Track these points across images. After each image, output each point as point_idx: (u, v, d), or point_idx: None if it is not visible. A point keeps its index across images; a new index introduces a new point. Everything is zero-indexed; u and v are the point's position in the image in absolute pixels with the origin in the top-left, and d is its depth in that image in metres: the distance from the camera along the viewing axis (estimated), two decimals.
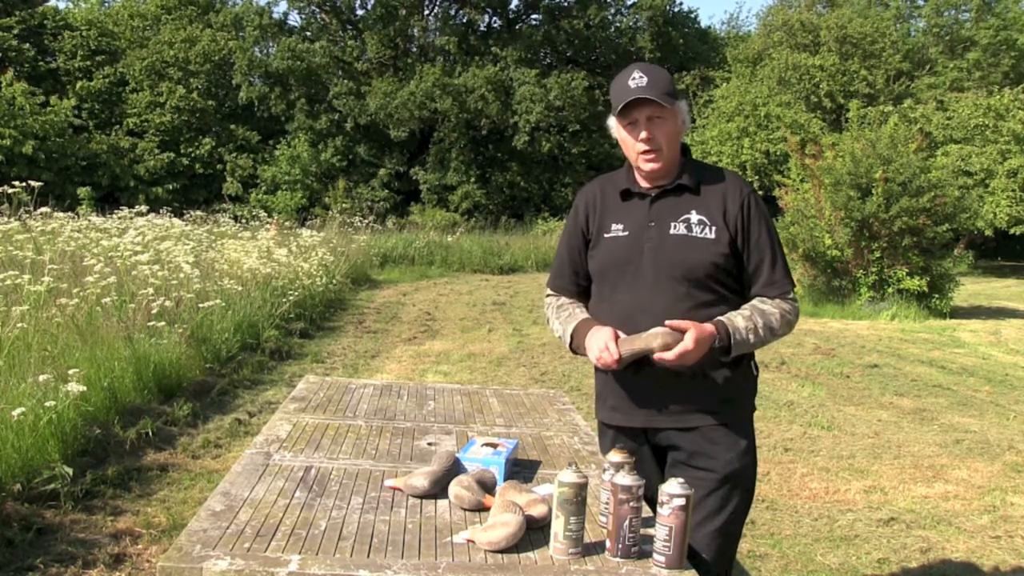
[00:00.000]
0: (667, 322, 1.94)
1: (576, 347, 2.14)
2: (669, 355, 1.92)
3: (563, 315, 2.23)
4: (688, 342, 1.92)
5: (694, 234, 2.05)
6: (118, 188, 25.03)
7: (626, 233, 2.10)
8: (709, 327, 1.97)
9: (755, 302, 2.07)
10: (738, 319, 2.02)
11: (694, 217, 2.06)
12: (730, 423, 2.08)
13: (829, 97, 26.80)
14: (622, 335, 2.02)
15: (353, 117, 27.63)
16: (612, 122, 2.12)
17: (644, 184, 2.13)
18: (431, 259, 18.35)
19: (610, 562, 1.68)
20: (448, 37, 29.31)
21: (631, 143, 2.06)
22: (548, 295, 2.35)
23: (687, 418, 2.07)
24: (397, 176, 28.57)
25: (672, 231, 2.06)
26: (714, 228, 2.05)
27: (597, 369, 2.21)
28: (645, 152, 2.04)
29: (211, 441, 4.93)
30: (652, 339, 1.95)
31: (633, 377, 2.08)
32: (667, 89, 2.02)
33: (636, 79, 2.01)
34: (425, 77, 27.30)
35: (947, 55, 30.07)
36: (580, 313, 2.19)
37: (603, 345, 2.00)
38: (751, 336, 2.00)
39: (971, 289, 17.06)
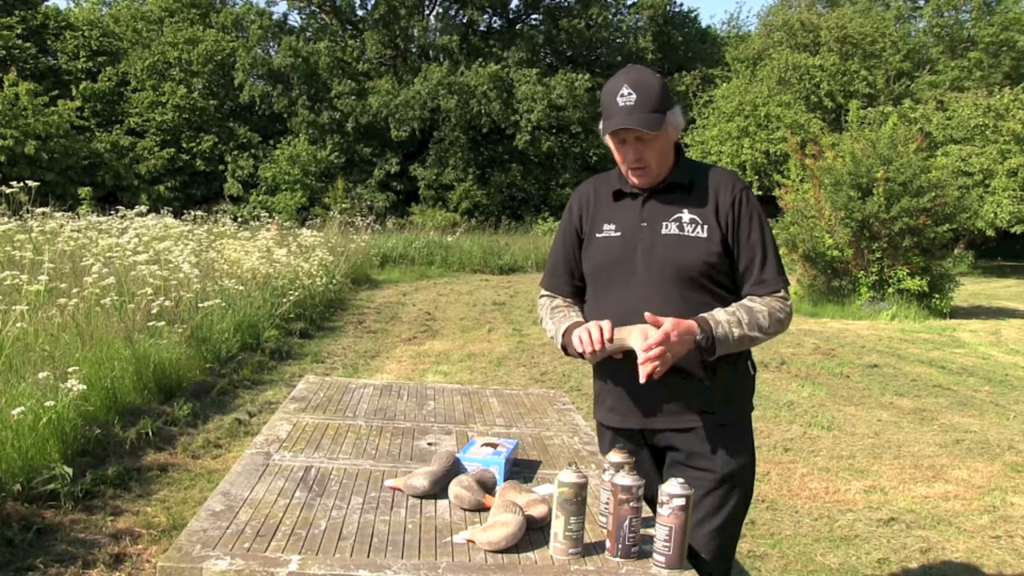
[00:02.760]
0: (646, 314, 1.91)
1: (566, 344, 2.12)
2: (653, 339, 1.87)
3: (557, 316, 2.21)
4: (668, 325, 1.87)
5: (686, 233, 2.03)
6: (119, 187, 25.04)
7: (618, 233, 2.08)
8: (690, 321, 1.93)
9: (744, 300, 2.05)
10: (719, 313, 1.99)
11: (686, 216, 2.04)
12: (728, 423, 2.07)
13: (829, 97, 26.82)
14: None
15: (355, 116, 27.64)
16: (603, 127, 2.07)
17: (636, 182, 2.12)
18: (431, 259, 18.35)
19: (610, 562, 1.68)
20: (449, 37, 29.32)
21: (619, 159, 2.07)
22: (543, 295, 2.32)
23: (684, 419, 2.06)
24: (397, 176, 28.58)
25: (664, 231, 2.04)
26: (706, 227, 2.03)
27: (596, 371, 2.21)
28: (633, 168, 2.04)
29: (211, 441, 4.93)
30: (637, 333, 1.94)
31: (630, 378, 2.07)
32: (655, 105, 1.97)
33: (624, 96, 1.96)
34: (429, 76, 27.30)
35: (947, 55, 30.09)
36: (574, 315, 2.18)
37: (596, 326, 1.96)
38: (735, 330, 1.96)
39: (971, 289, 17.07)
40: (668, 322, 1.89)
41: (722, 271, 2.04)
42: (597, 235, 2.13)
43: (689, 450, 2.06)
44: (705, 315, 1.98)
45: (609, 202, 2.14)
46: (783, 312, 2.04)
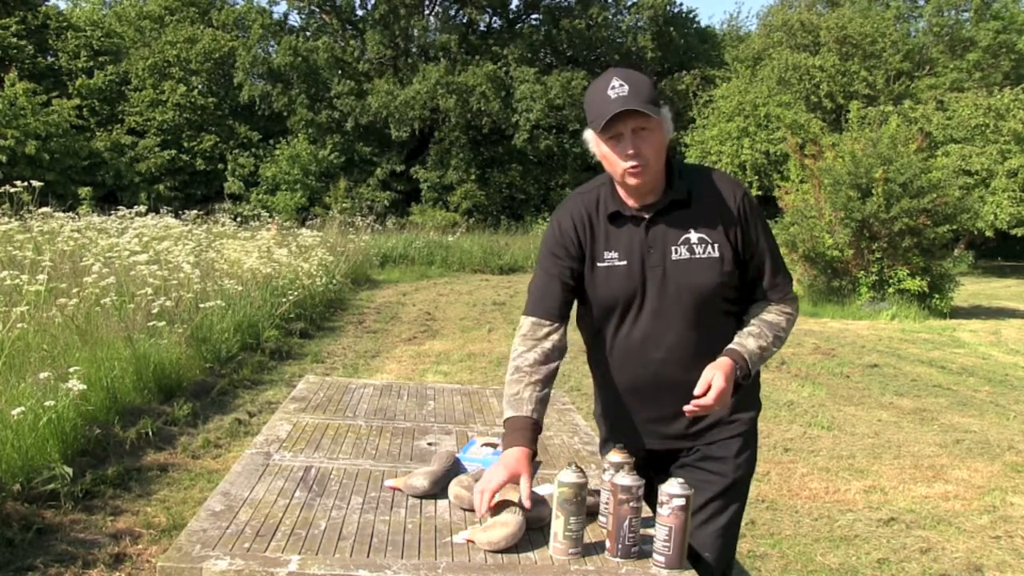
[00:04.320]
0: (695, 396, 1.88)
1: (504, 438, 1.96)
2: (707, 400, 1.86)
3: (513, 389, 1.95)
4: (708, 400, 1.86)
5: (697, 255, 1.94)
6: (119, 187, 25.04)
7: (623, 262, 1.96)
8: (728, 362, 1.91)
9: (761, 314, 2.01)
10: (749, 341, 1.96)
11: (694, 236, 1.95)
12: (742, 432, 2.05)
13: (829, 97, 26.81)
14: (481, 485, 1.82)
15: (354, 116, 27.64)
16: (589, 136, 1.94)
17: (632, 203, 1.97)
18: (431, 259, 18.34)
19: (610, 562, 1.68)
20: (448, 36, 29.33)
21: (615, 159, 1.89)
22: (527, 324, 2.01)
23: (704, 435, 2.03)
24: (397, 176, 28.59)
25: (675, 256, 1.94)
26: (716, 245, 1.95)
27: (600, 386, 2.15)
28: (632, 168, 1.88)
29: (211, 441, 4.93)
30: (510, 489, 1.82)
31: (644, 402, 2.03)
32: (650, 97, 1.85)
33: (616, 88, 1.84)
34: (428, 76, 27.31)
35: (947, 55, 30.08)
36: (527, 403, 1.92)
37: (479, 493, 1.81)
38: (765, 354, 1.97)
39: (971, 289, 17.08)
40: (709, 397, 1.86)
41: (732, 285, 2.00)
42: (599, 264, 1.98)
43: (703, 454, 2.05)
44: (736, 348, 1.95)
45: (607, 226, 1.99)
46: (795, 312, 2.06)
